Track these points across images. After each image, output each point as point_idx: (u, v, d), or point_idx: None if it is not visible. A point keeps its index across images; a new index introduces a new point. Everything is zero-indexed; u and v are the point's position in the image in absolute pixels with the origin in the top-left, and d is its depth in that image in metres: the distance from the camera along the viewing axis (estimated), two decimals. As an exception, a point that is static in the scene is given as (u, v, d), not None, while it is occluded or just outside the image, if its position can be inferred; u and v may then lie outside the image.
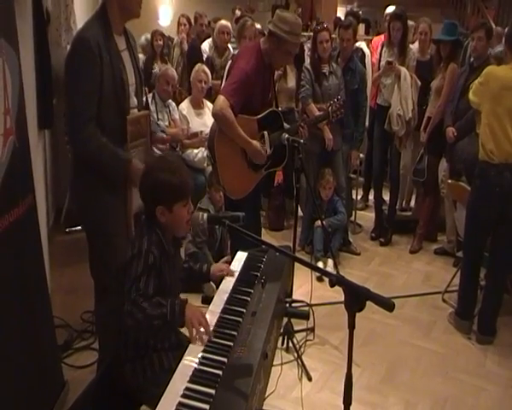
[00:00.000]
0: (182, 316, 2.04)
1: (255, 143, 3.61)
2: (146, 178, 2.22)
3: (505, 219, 3.74)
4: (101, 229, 2.72)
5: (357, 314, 1.75)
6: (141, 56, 6.17)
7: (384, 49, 5.45)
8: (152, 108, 5.02)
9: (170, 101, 5.38)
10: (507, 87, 3.62)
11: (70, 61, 2.60)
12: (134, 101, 2.78)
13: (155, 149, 4.91)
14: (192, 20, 7.40)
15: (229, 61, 5.49)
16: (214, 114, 3.55)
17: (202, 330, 2.01)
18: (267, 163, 3.78)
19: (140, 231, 2.22)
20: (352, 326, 1.76)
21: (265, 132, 3.71)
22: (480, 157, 3.78)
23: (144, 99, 2.98)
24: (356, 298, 1.73)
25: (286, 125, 3.92)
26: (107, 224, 2.70)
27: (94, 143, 2.55)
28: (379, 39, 6.33)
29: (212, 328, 2.06)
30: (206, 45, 6.44)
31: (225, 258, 2.90)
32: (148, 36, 7.15)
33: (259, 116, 3.68)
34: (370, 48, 6.35)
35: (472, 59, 4.88)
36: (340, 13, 9.99)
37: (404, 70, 5.18)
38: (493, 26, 5.91)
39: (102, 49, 2.53)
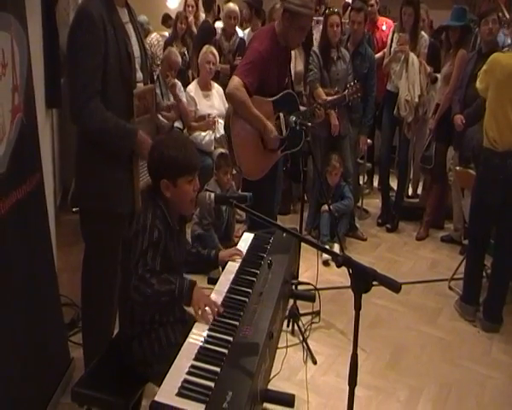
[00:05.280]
0: (189, 296, 2.05)
1: (269, 123, 3.57)
2: (153, 152, 2.24)
3: (510, 206, 3.72)
4: (100, 207, 2.61)
5: (363, 299, 1.74)
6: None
7: (395, 35, 5.39)
8: (157, 91, 4.99)
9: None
10: None
11: (73, 35, 2.49)
12: (140, 75, 2.69)
13: (161, 117, 4.90)
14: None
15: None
16: (227, 94, 3.54)
17: (208, 310, 2.01)
18: (283, 145, 3.76)
19: (145, 205, 2.25)
20: (358, 307, 1.75)
21: (281, 114, 3.68)
22: (484, 145, 3.76)
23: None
24: (362, 279, 1.72)
25: (302, 108, 3.89)
26: (107, 202, 2.60)
27: (98, 117, 2.45)
28: None
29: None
30: (218, 25, 6.42)
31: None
32: (145, 18, 7.14)
33: (275, 98, 3.65)
34: None
35: (481, 45, 4.82)
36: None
37: (412, 55, 5.14)
38: (506, 13, 5.82)
39: (106, 21, 2.44)
